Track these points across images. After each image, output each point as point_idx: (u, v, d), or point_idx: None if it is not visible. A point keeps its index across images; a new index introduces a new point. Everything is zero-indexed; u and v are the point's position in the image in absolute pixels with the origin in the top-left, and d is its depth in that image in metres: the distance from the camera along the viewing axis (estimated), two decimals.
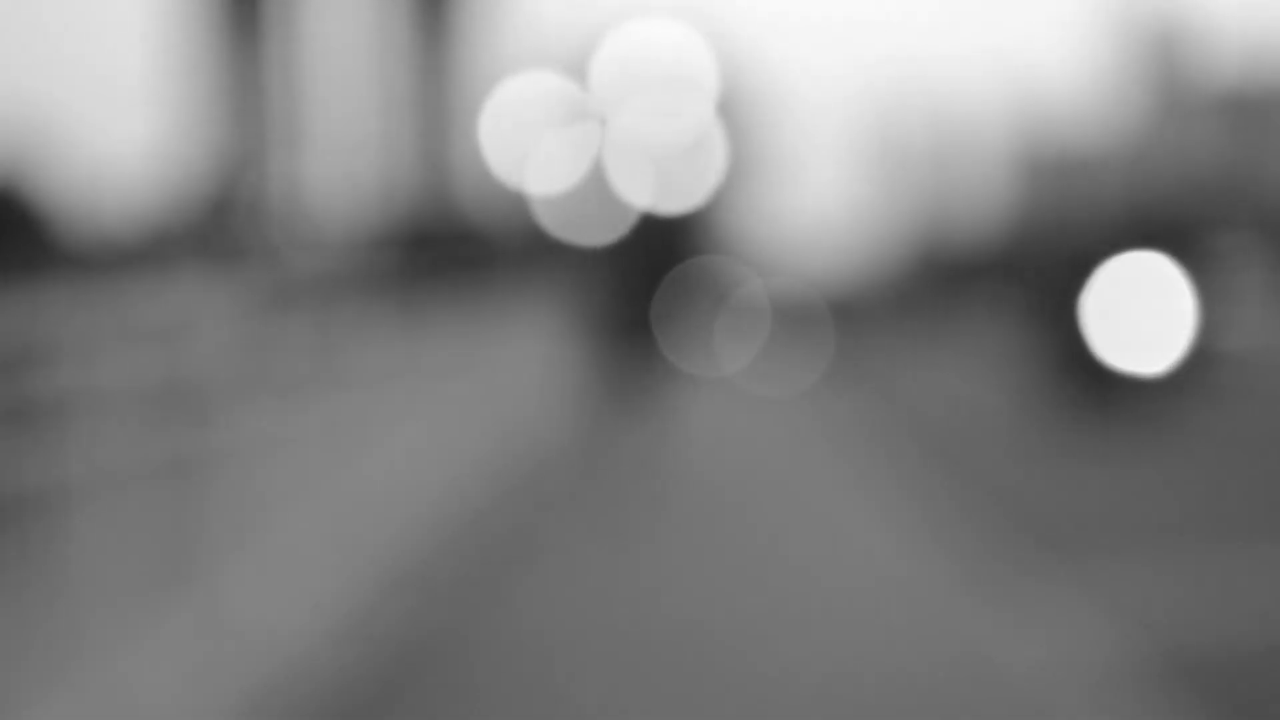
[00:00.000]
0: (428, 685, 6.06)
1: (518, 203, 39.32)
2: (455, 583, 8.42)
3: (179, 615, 5.52)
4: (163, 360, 5.60)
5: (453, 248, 54.70)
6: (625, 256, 9.89)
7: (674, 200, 57.99)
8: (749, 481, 13.17)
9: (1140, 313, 20.83)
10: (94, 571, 4.71)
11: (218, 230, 79.40)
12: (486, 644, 6.87)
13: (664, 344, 10.13)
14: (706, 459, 14.30)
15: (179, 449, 5.44)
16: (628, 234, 10.30)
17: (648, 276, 10.05)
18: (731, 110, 70.38)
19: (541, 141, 41.96)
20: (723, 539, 9.84)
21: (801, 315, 41.49)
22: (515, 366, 17.85)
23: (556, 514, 11.17)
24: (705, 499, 11.97)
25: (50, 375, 4.46)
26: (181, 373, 5.63)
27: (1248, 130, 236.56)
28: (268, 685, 5.99)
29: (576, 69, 59.04)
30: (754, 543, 9.64)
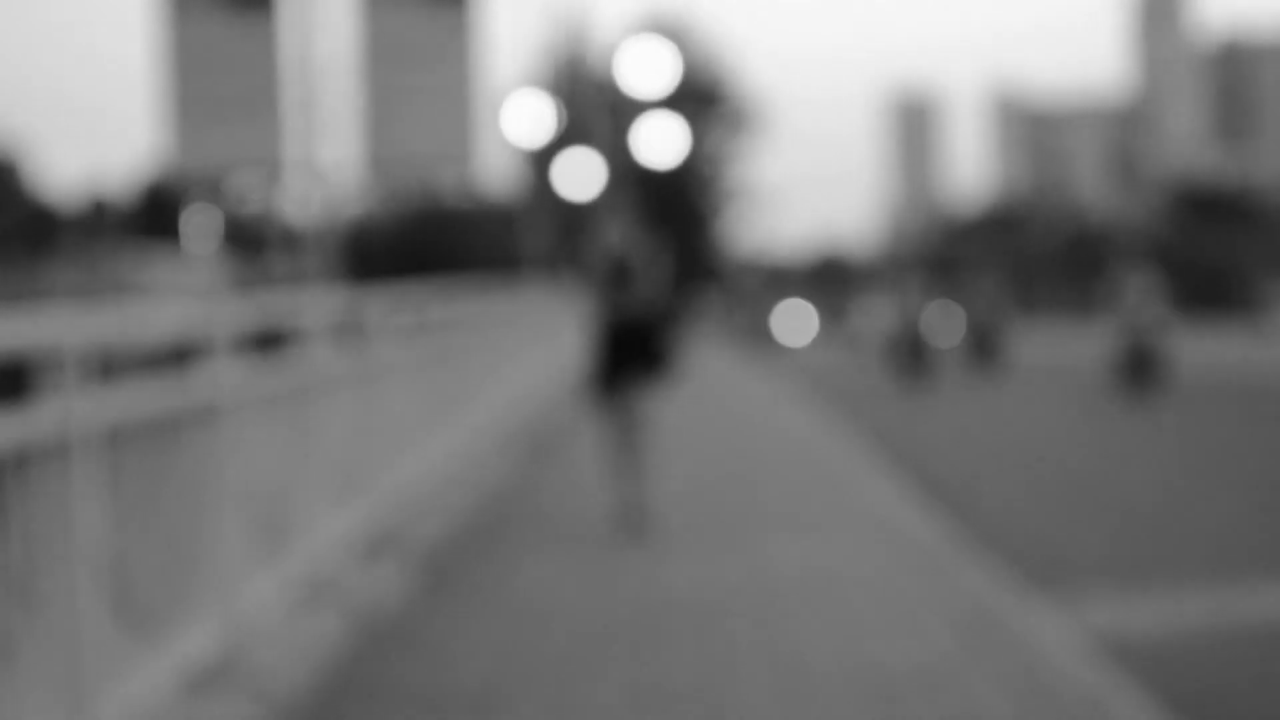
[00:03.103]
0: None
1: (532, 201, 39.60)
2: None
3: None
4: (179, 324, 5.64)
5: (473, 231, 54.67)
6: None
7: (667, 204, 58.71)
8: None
9: None
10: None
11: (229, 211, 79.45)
12: None
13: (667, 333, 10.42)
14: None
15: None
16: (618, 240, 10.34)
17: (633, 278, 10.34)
18: (720, 109, 70.75)
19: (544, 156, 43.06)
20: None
21: (804, 290, 47.39)
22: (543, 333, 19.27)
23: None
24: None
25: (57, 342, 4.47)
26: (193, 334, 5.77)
27: (1235, 86, 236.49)
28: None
29: (566, 89, 59.33)
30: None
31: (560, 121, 56.04)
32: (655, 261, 10.17)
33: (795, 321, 54.69)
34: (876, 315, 40.99)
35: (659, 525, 10.14)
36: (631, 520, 10.06)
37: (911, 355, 27.68)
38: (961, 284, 31.85)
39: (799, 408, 20.58)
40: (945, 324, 29.66)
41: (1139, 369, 23.80)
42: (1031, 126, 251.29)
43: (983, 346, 30.59)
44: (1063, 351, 40.34)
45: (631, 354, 10.13)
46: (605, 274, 10.12)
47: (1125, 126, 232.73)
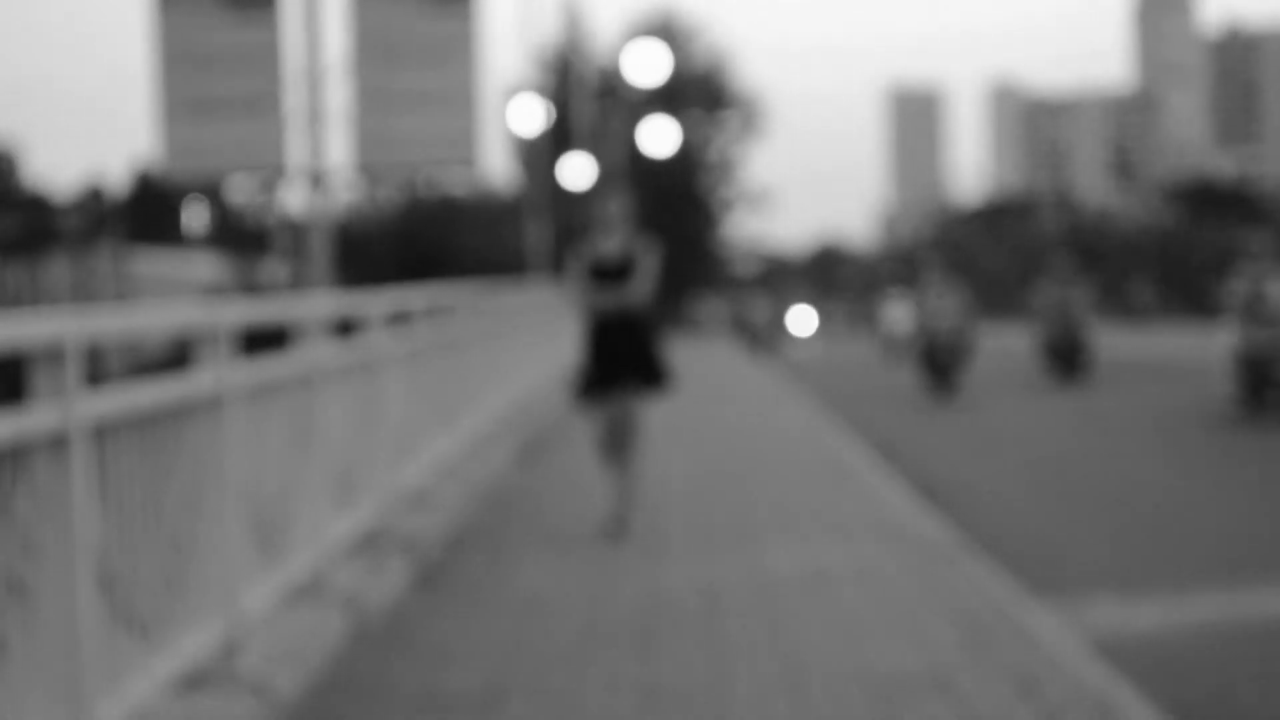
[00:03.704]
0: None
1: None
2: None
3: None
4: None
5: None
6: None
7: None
8: None
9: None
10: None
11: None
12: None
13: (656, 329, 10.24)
14: None
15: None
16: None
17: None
18: (726, 112, 70.95)
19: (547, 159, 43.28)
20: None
21: (808, 287, 46.87)
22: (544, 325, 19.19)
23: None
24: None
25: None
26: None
27: (1238, 77, 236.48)
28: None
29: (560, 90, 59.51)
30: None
31: (558, 113, 56.06)
32: (649, 255, 9.92)
33: (802, 322, 58.97)
34: (901, 313, 37.36)
35: (643, 528, 10.04)
36: (616, 521, 9.84)
37: (932, 359, 23.75)
38: (1040, 285, 26.67)
39: (812, 416, 19.68)
40: (973, 322, 24.25)
41: (1266, 379, 22.01)
42: (1033, 119, 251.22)
43: (1065, 353, 26.00)
44: (1151, 355, 35.34)
45: (620, 353, 9.90)
46: (595, 270, 9.88)
47: (1126, 120, 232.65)
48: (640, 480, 11.00)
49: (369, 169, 14.29)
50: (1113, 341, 39.38)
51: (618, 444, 9.99)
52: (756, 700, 5.84)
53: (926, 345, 23.96)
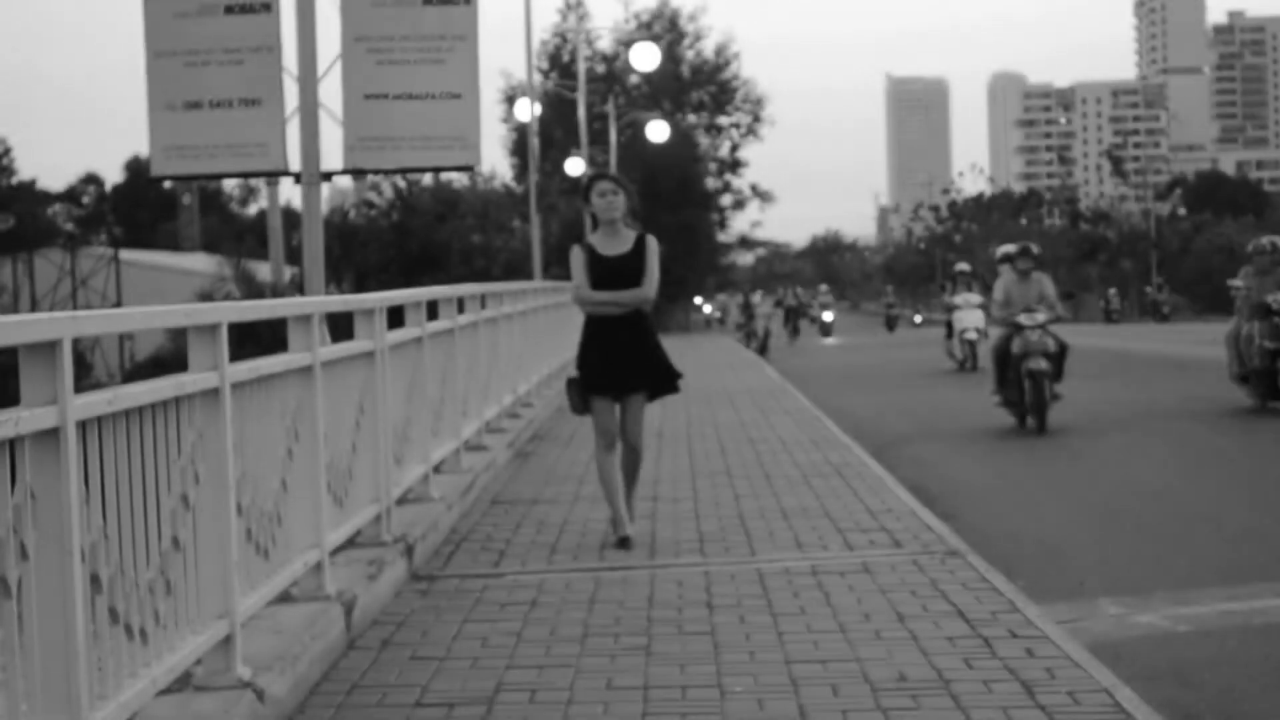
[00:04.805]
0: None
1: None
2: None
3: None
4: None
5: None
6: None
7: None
8: None
9: None
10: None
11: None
12: None
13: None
14: None
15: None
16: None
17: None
18: (730, 109, 71.12)
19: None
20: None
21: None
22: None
23: None
24: None
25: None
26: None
27: (1242, 69, 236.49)
28: None
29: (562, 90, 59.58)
30: None
31: (559, 108, 55.97)
32: (653, 255, 9.72)
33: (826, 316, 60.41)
34: (978, 317, 31.30)
35: (642, 528, 9.94)
36: (623, 536, 9.50)
37: (1018, 375, 17.35)
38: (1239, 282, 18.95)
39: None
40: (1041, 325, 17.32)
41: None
42: (1035, 112, 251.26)
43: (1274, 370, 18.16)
44: None
45: (626, 355, 9.64)
46: (600, 269, 9.64)
47: (1128, 113, 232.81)
48: (638, 484, 10.85)
49: (366, 172, 14.22)
50: None
51: (622, 447, 9.73)
52: (756, 700, 5.81)
53: (1003, 353, 17.74)
